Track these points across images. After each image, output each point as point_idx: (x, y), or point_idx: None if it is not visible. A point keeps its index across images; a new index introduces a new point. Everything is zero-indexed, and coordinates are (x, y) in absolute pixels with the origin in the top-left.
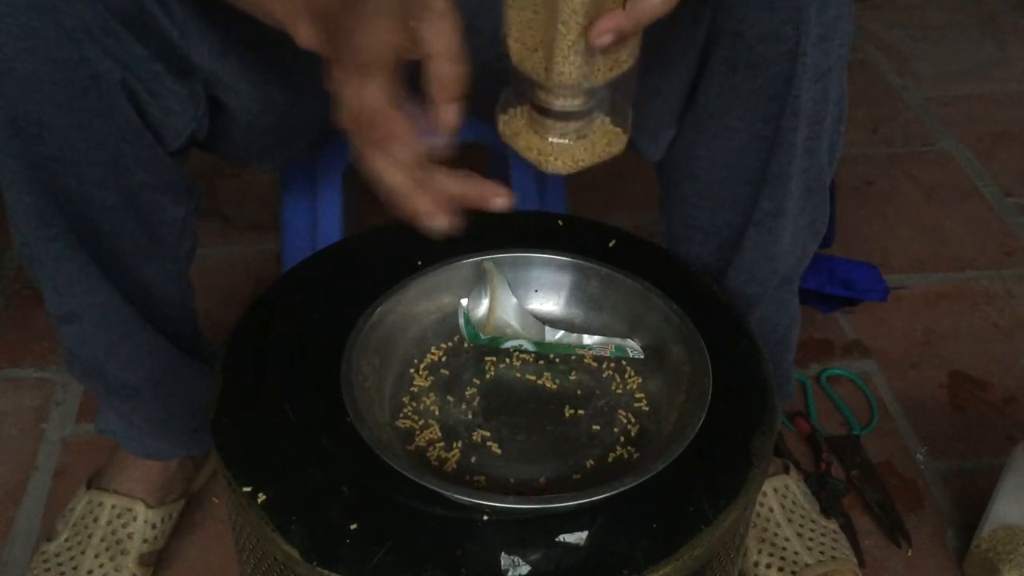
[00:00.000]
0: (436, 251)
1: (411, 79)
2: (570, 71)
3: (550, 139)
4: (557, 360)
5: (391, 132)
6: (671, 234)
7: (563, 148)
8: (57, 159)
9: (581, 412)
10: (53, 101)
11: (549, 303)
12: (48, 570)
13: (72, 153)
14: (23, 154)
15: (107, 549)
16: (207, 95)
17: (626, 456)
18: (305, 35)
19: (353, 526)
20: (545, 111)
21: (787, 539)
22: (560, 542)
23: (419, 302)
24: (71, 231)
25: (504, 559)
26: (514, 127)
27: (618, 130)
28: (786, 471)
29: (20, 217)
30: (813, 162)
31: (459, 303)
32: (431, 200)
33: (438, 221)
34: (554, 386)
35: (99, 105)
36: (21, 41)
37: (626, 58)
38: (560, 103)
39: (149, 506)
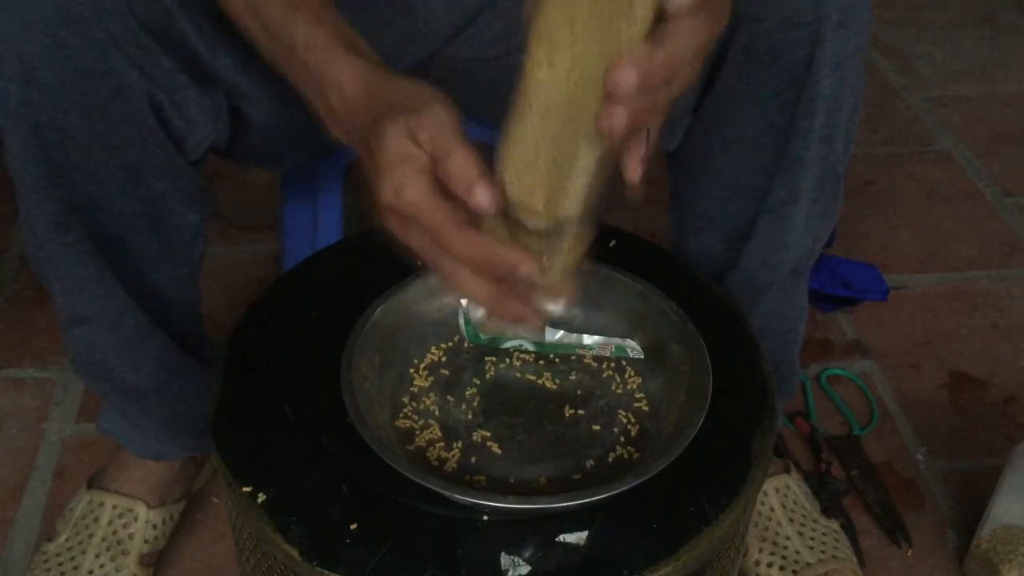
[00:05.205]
0: None
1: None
2: (576, 209)
3: (542, 259)
4: (557, 360)
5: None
6: (681, 224)
7: (552, 264)
8: (78, 167)
9: (581, 412)
10: (77, 110)
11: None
12: (48, 570)
13: (93, 161)
14: (45, 161)
15: (108, 549)
16: (228, 105)
17: (626, 456)
18: (334, 137)
19: (353, 526)
20: (531, 233)
21: (788, 538)
22: (560, 542)
23: (419, 302)
24: (88, 237)
25: (504, 559)
26: None
27: (584, 229)
28: (787, 471)
29: (38, 222)
30: (829, 150)
31: (459, 303)
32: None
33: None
34: (554, 386)
35: (123, 115)
36: (49, 51)
37: (610, 171)
38: (547, 225)
39: (150, 506)
